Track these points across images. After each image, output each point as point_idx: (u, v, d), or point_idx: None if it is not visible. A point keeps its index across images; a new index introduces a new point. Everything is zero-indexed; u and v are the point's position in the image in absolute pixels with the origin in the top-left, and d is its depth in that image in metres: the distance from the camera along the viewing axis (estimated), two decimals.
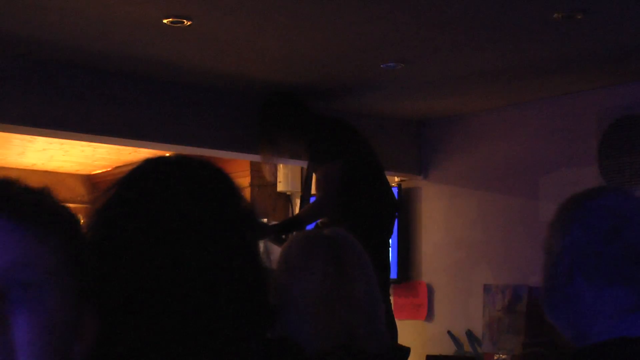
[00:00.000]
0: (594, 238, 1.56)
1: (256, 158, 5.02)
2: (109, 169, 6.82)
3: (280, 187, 5.98)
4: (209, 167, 1.26)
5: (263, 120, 4.60)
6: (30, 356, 0.92)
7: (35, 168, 6.52)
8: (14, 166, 6.47)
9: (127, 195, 1.19)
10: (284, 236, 4.27)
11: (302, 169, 5.88)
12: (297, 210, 6.04)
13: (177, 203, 1.17)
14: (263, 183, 5.92)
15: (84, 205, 6.12)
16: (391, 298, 5.43)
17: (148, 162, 1.26)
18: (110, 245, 1.14)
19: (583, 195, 1.65)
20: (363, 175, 4.46)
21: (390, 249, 4.70)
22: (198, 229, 1.15)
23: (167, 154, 1.34)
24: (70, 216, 1.04)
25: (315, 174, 4.50)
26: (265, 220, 5.89)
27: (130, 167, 1.28)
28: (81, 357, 1.00)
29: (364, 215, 4.39)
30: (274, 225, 4.44)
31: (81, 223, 1.07)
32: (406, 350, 2.04)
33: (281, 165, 5.81)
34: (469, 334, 5.02)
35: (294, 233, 5.82)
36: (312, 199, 5.03)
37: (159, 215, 1.15)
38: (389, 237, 4.61)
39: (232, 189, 1.24)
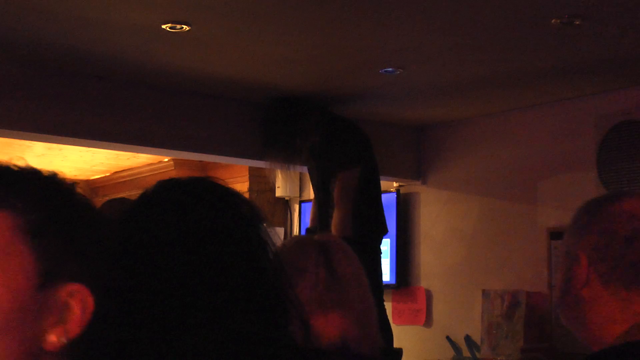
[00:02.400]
0: (613, 242, 1.57)
1: (254, 163, 5.03)
2: (107, 174, 6.82)
3: (278, 193, 5.99)
4: (220, 188, 1.25)
5: (279, 124, 4.58)
6: None
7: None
8: None
9: (138, 220, 1.18)
10: None
11: (300, 174, 5.89)
12: (296, 216, 6.04)
13: (190, 225, 1.16)
14: (261, 188, 5.93)
15: None
16: (390, 303, 5.44)
17: (160, 185, 1.24)
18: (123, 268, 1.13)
19: (603, 199, 1.66)
20: (371, 181, 4.51)
21: (381, 254, 4.72)
22: (212, 249, 1.15)
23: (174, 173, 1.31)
24: (53, 195, 1.01)
25: (333, 177, 4.46)
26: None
27: (128, 172, 1.27)
28: (62, 342, 0.97)
29: (364, 221, 4.42)
30: None
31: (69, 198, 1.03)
32: (398, 353, 2.05)
33: (280, 170, 5.81)
34: (468, 340, 5.02)
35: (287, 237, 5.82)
36: (307, 204, 5.04)
37: (172, 236, 1.15)
38: (380, 243, 4.64)
39: (247, 208, 1.23)
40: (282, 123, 4.56)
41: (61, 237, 0.99)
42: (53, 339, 0.97)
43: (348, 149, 4.45)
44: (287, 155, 4.58)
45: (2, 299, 0.93)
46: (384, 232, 4.63)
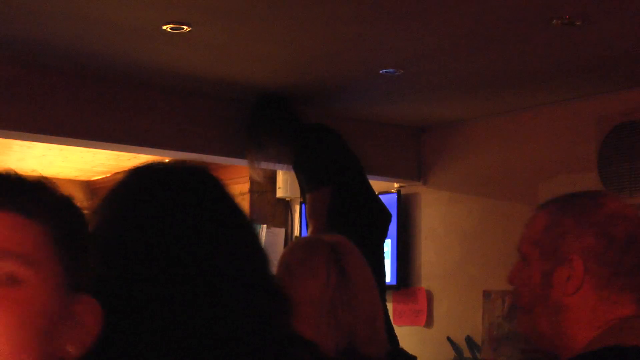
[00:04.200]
0: (611, 246, 1.52)
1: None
2: (108, 175, 6.82)
3: (279, 193, 5.98)
4: (201, 173, 1.25)
5: (253, 123, 4.58)
6: (4, 350, 0.90)
7: (34, 174, 6.51)
8: None
9: (118, 210, 1.18)
10: None
11: None
12: (297, 217, 6.04)
13: (168, 211, 1.16)
14: (262, 189, 5.92)
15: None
16: (390, 304, 5.43)
17: (136, 172, 1.25)
18: (106, 258, 1.13)
19: (586, 199, 1.60)
20: (351, 192, 4.43)
21: (384, 255, 4.70)
22: (192, 237, 1.14)
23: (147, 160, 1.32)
24: (69, 207, 1.03)
25: (306, 195, 4.41)
26: (264, 226, 5.90)
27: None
28: (77, 354, 0.98)
29: (356, 228, 4.37)
30: None
31: (82, 213, 1.06)
32: (412, 359, 2.06)
33: (281, 171, 5.81)
34: (469, 340, 5.02)
35: (294, 238, 5.81)
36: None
37: (152, 225, 1.14)
38: (383, 243, 4.60)
39: (223, 194, 1.23)
40: (253, 118, 4.56)
41: (77, 249, 1.01)
42: (71, 350, 0.98)
43: (317, 169, 4.38)
44: (253, 151, 4.58)
45: (41, 306, 0.94)
46: (387, 219, 4.57)
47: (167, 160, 1.30)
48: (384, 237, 4.58)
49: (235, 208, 1.22)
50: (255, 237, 1.21)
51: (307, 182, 4.38)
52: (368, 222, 4.43)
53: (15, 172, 1.02)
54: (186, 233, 1.14)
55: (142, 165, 1.26)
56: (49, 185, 1.03)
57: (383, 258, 4.62)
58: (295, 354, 1.20)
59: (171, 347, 1.08)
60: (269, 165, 4.88)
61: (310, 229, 4.35)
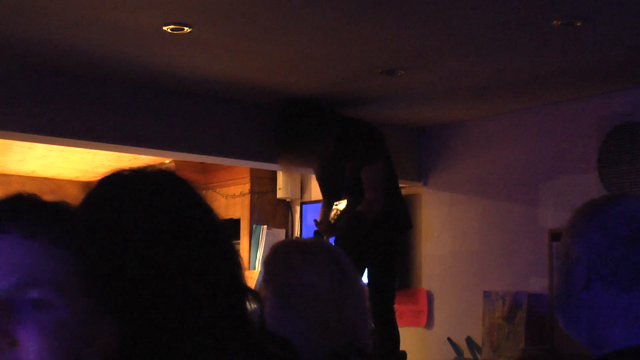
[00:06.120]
0: (613, 244, 1.56)
1: (255, 165, 5.03)
2: None
3: (279, 194, 5.98)
4: (171, 179, 1.26)
5: (296, 132, 4.57)
6: None
7: (35, 175, 6.52)
8: (14, 173, 6.47)
9: (91, 219, 1.19)
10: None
11: (301, 175, 5.89)
12: (297, 217, 6.04)
13: (141, 217, 1.17)
14: (263, 190, 5.93)
15: None
16: None
17: (106, 180, 1.26)
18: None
19: (601, 201, 1.65)
20: (391, 175, 4.54)
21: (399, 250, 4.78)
22: (165, 244, 1.15)
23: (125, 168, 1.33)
24: (89, 232, 1.06)
25: (360, 173, 4.45)
26: (265, 227, 5.90)
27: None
28: None
29: (393, 214, 4.46)
30: (339, 221, 4.32)
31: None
32: (403, 356, 2.11)
33: (281, 172, 5.82)
34: (469, 341, 5.02)
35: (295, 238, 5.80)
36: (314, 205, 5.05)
37: (124, 232, 1.15)
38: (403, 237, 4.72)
39: (195, 197, 1.24)
40: (301, 127, 4.55)
41: (99, 274, 1.05)
42: None
43: (368, 145, 4.47)
44: (304, 158, 4.59)
45: (70, 330, 0.99)
46: (409, 227, 4.68)
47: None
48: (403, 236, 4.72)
49: (205, 210, 1.23)
50: (225, 238, 1.23)
51: (362, 156, 4.45)
52: (403, 214, 4.56)
53: (40, 199, 1.06)
54: (156, 237, 1.15)
55: (110, 173, 1.28)
56: (71, 211, 1.07)
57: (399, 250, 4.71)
58: (269, 351, 1.22)
59: (146, 348, 1.09)
60: (303, 170, 4.92)
61: (369, 199, 4.36)
